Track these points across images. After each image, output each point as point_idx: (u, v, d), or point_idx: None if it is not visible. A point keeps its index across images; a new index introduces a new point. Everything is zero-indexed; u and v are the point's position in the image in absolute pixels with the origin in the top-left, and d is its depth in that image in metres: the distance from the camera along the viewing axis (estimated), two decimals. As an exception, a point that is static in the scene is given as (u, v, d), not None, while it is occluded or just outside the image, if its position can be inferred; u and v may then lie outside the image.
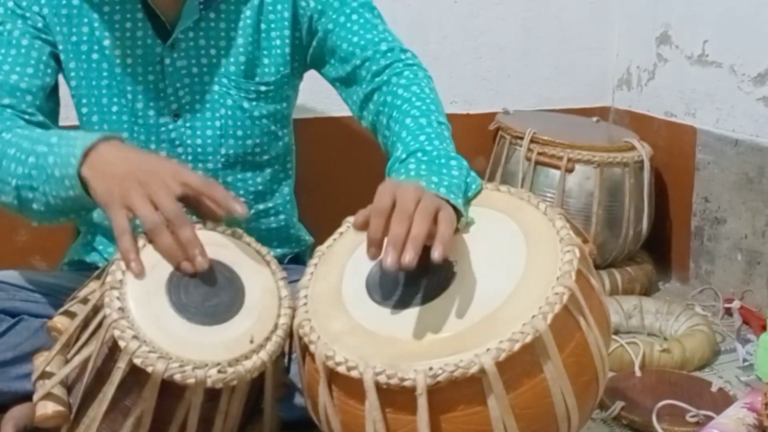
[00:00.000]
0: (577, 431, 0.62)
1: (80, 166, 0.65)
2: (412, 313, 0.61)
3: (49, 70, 0.80)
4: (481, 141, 1.33)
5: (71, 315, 0.64)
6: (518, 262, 0.62)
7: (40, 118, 0.79)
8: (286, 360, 0.69)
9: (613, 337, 0.99)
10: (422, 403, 0.56)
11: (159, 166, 0.65)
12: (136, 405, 0.59)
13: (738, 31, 1.20)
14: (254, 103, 0.84)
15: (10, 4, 0.79)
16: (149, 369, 0.57)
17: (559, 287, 0.59)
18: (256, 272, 0.66)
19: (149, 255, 0.62)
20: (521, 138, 1.23)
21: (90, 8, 0.79)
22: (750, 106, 1.19)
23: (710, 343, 1.04)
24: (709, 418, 0.82)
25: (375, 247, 0.60)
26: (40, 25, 0.79)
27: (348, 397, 0.59)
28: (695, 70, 1.28)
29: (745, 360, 1.03)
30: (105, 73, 0.81)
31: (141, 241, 0.63)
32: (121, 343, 0.58)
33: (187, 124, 0.83)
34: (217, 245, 0.66)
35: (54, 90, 0.82)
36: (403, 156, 0.71)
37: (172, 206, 0.62)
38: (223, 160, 0.84)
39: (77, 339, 0.63)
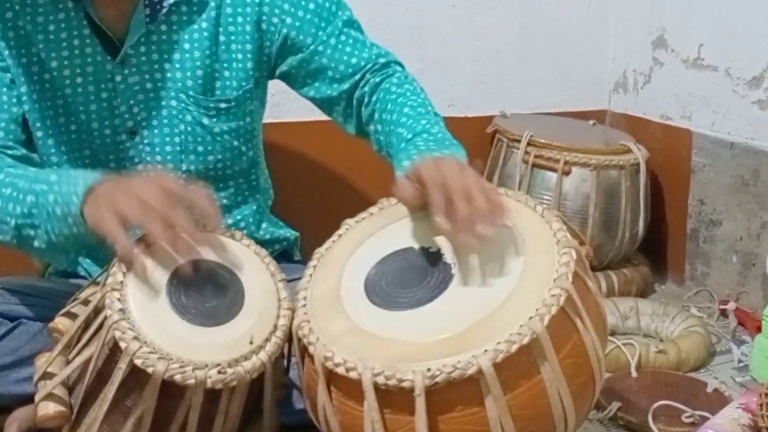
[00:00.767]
0: None
1: (82, 205, 0.64)
2: (410, 314, 0.62)
3: (14, 99, 0.78)
4: (479, 144, 1.34)
5: (72, 316, 0.65)
6: (515, 264, 0.62)
7: (23, 151, 0.78)
8: (285, 361, 0.69)
9: (610, 338, 0.99)
10: (420, 403, 0.56)
11: (141, 178, 0.64)
12: (137, 405, 0.60)
13: (733, 35, 1.21)
14: (215, 120, 0.82)
15: None
16: (150, 370, 0.57)
17: (556, 289, 0.59)
18: (255, 274, 0.67)
19: (148, 258, 0.63)
20: (518, 141, 1.24)
21: (34, 29, 0.76)
22: (745, 110, 1.20)
23: (706, 344, 1.05)
24: (705, 419, 0.83)
25: (443, 219, 0.61)
26: None
27: (347, 397, 0.60)
28: (691, 73, 1.29)
29: (740, 361, 1.04)
30: (58, 93, 0.78)
31: (139, 247, 0.63)
32: (122, 344, 0.58)
33: (145, 141, 0.80)
34: (216, 247, 0.66)
35: (25, 120, 0.79)
36: (410, 136, 0.72)
37: (156, 195, 0.61)
38: (184, 176, 0.81)
39: (78, 340, 0.64)
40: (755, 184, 1.18)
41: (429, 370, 0.56)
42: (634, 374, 0.97)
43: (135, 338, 0.58)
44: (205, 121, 0.81)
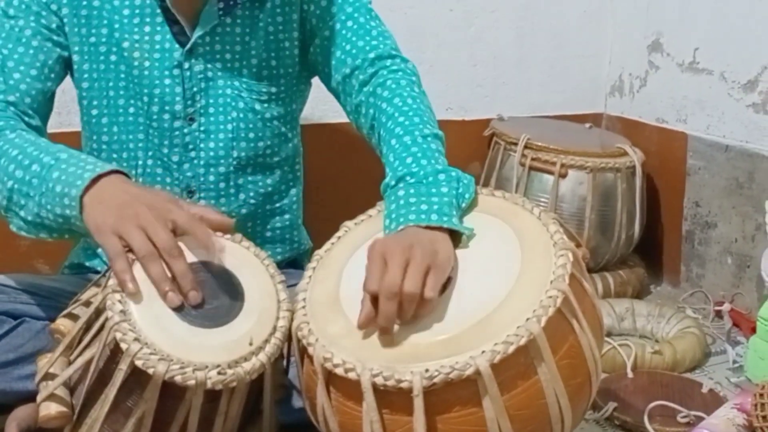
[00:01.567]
0: (571, 432, 0.63)
1: (84, 192, 0.65)
2: (408, 315, 0.62)
3: (52, 75, 0.80)
4: (476, 147, 1.34)
5: (74, 317, 0.65)
6: (513, 266, 0.63)
7: (38, 122, 0.79)
8: (284, 362, 0.70)
9: (606, 339, 0.99)
10: (418, 404, 0.56)
11: (155, 199, 0.65)
12: (138, 406, 0.60)
13: (728, 39, 1.21)
14: (266, 105, 0.84)
15: None
16: (150, 370, 0.58)
17: (553, 291, 0.60)
18: (255, 276, 0.67)
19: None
20: (515, 144, 1.25)
21: (110, 11, 0.79)
22: (740, 113, 1.20)
23: (701, 345, 1.06)
24: (700, 419, 0.83)
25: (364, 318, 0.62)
26: (54, 25, 0.79)
27: (346, 398, 0.60)
28: (686, 77, 1.30)
29: (735, 362, 1.04)
30: (122, 75, 0.80)
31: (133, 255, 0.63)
32: (123, 345, 0.58)
33: (201, 128, 0.82)
34: (217, 250, 0.66)
35: (52, 96, 0.82)
36: (392, 182, 0.71)
37: (165, 237, 0.62)
38: (234, 162, 0.84)
39: (80, 341, 0.64)
40: (750, 187, 1.18)
41: (427, 370, 0.57)
42: (630, 375, 0.97)
43: (136, 339, 0.58)
44: (257, 106, 0.84)
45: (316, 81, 0.91)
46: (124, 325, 0.59)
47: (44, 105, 0.80)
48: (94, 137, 0.84)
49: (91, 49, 0.80)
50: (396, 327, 0.61)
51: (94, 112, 0.83)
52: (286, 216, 0.91)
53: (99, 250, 0.87)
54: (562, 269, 0.61)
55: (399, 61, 0.83)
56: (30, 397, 0.65)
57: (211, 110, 0.82)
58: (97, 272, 0.69)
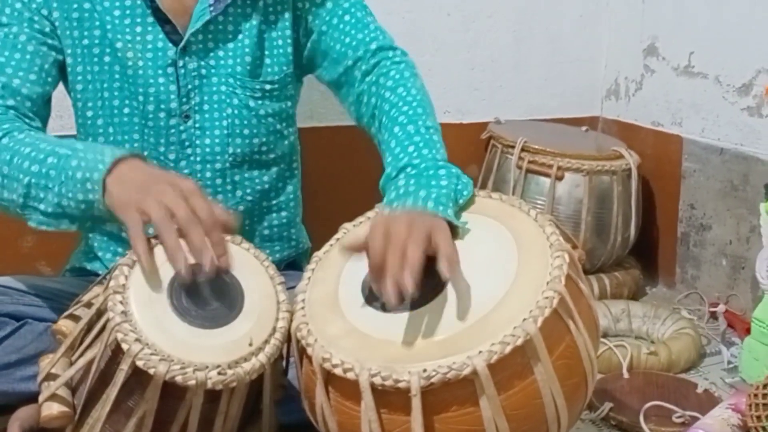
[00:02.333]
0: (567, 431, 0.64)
1: (107, 174, 0.66)
2: (406, 316, 0.62)
3: (49, 79, 0.80)
4: (474, 150, 1.35)
5: (76, 318, 0.66)
6: (510, 267, 0.63)
7: (39, 124, 0.80)
8: (284, 362, 0.70)
9: (602, 340, 1.00)
10: (416, 403, 0.57)
11: (178, 181, 0.65)
12: (139, 406, 0.60)
13: (723, 43, 1.22)
14: (260, 102, 0.85)
15: (18, 5, 0.79)
16: (151, 371, 0.58)
17: (550, 292, 0.60)
18: (254, 277, 0.68)
19: (156, 256, 0.63)
20: (513, 147, 1.25)
21: (101, 12, 0.80)
22: (735, 116, 1.21)
23: (696, 345, 1.06)
24: (695, 419, 0.84)
25: (378, 280, 0.60)
26: (47, 29, 0.80)
27: (344, 398, 0.61)
28: (681, 80, 1.31)
29: (729, 362, 1.05)
30: (116, 76, 0.81)
31: (152, 241, 0.64)
32: (124, 346, 0.59)
33: (197, 125, 0.83)
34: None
35: (50, 99, 0.82)
36: (393, 173, 0.72)
37: (185, 212, 0.62)
38: (230, 159, 0.85)
39: (81, 342, 0.64)
40: (744, 189, 1.19)
41: (425, 370, 0.57)
42: (626, 375, 0.98)
43: (137, 340, 0.59)
44: (251, 103, 0.84)
45: (311, 82, 0.92)
46: (126, 325, 0.60)
47: (43, 108, 0.81)
48: (89, 139, 0.84)
49: (84, 51, 0.81)
50: (396, 328, 0.62)
51: (89, 113, 0.83)
52: (284, 213, 0.92)
53: (100, 254, 0.88)
54: (559, 270, 0.62)
55: (400, 53, 0.85)
56: (32, 397, 0.66)
57: (206, 107, 0.83)
58: (98, 275, 0.70)
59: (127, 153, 0.68)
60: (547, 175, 1.23)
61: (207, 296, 0.64)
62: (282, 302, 0.67)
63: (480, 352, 0.57)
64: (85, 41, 0.81)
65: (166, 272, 0.64)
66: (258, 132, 0.86)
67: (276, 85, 0.86)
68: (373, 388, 0.58)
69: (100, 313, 0.64)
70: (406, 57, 0.85)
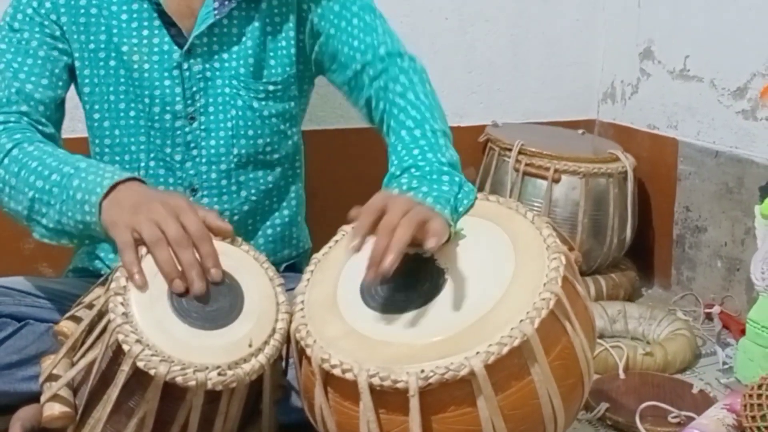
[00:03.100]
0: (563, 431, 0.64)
1: (103, 198, 0.67)
2: (404, 317, 0.63)
3: (60, 83, 0.82)
4: (472, 152, 1.35)
5: (77, 320, 0.66)
6: (507, 268, 0.64)
7: (52, 129, 0.81)
8: (283, 363, 0.71)
9: (598, 340, 1.00)
10: (414, 404, 0.57)
11: (170, 199, 0.66)
12: (140, 406, 0.61)
13: (718, 47, 1.23)
14: (263, 103, 0.85)
15: (29, 11, 0.80)
16: (152, 372, 0.58)
17: (546, 293, 0.61)
18: (254, 279, 0.68)
19: (151, 263, 0.64)
20: (510, 149, 1.26)
21: (108, 16, 0.81)
22: (730, 119, 1.22)
23: (691, 346, 1.07)
24: (691, 419, 0.84)
25: (358, 241, 0.62)
26: (57, 33, 0.81)
27: (343, 398, 0.61)
28: (677, 84, 1.32)
29: (724, 363, 1.05)
30: (122, 79, 0.82)
31: (143, 250, 0.64)
32: (125, 347, 0.59)
33: (202, 127, 0.84)
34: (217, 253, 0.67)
35: (63, 102, 0.83)
36: (397, 172, 0.73)
37: (175, 231, 0.63)
38: (235, 160, 0.85)
39: (83, 343, 0.65)
40: (739, 192, 1.20)
41: (423, 371, 0.57)
42: (622, 376, 0.98)
43: (137, 341, 0.59)
44: (255, 104, 0.85)
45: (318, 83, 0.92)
46: (126, 327, 0.60)
47: (56, 112, 0.82)
48: (97, 141, 0.85)
49: (90, 55, 0.82)
50: (394, 329, 0.62)
51: (96, 116, 0.84)
52: (286, 212, 0.92)
53: (102, 254, 0.88)
54: (555, 272, 0.62)
55: (408, 58, 0.85)
56: (34, 398, 0.66)
57: (211, 109, 0.84)
58: (100, 276, 0.70)
59: (126, 176, 0.69)
60: (544, 178, 1.24)
61: (207, 298, 0.64)
62: (281, 303, 0.68)
63: (477, 352, 0.58)
64: (92, 45, 0.82)
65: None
66: (262, 133, 0.86)
67: (279, 86, 0.86)
68: (372, 388, 0.59)
69: (101, 315, 0.64)
70: (415, 62, 0.85)
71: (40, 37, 0.80)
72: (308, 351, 0.63)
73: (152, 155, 0.84)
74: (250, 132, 0.86)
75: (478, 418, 0.58)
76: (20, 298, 0.79)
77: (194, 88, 0.83)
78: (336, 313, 0.65)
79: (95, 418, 0.62)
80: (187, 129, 0.84)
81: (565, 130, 1.44)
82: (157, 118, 0.83)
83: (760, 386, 0.77)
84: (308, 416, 0.67)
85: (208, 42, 0.82)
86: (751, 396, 0.77)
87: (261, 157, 0.87)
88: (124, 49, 0.81)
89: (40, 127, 0.79)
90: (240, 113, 0.85)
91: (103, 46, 0.81)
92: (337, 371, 0.60)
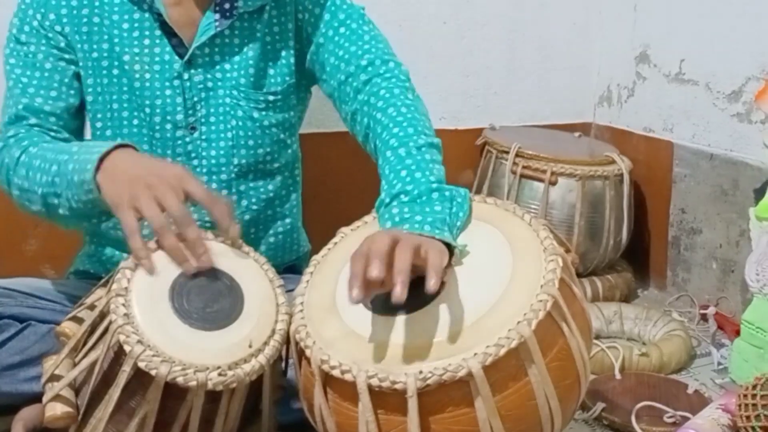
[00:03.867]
0: None
1: (95, 172, 0.67)
2: (403, 319, 0.63)
3: (72, 91, 0.82)
4: (469, 155, 1.36)
5: (79, 321, 0.66)
6: (504, 270, 0.64)
7: (66, 135, 0.82)
8: (283, 364, 0.71)
9: (594, 341, 1.00)
10: (413, 404, 0.58)
11: (166, 170, 0.67)
12: (141, 406, 0.61)
13: (713, 51, 1.24)
14: (263, 113, 0.86)
15: (35, 23, 0.81)
16: (153, 372, 0.59)
17: (543, 295, 0.61)
18: (254, 280, 0.69)
19: (155, 258, 0.65)
20: (507, 152, 1.27)
21: (110, 25, 0.81)
22: (725, 122, 1.23)
23: (687, 347, 1.07)
24: (686, 419, 0.85)
25: (357, 292, 0.58)
26: (62, 44, 0.82)
27: (342, 399, 0.62)
28: (672, 87, 1.32)
29: (719, 363, 1.06)
30: (125, 88, 0.83)
31: (151, 244, 0.65)
32: (127, 348, 0.60)
33: (203, 137, 0.85)
34: (218, 254, 0.68)
35: (80, 108, 0.84)
36: (387, 200, 0.72)
37: (177, 207, 0.64)
38: (236, 170, 0.86)
39: (84, 343, 0.65)
40: (734, 194, 1.20)
41: (421, 372, 0.58)
42: (618, 376, 0.99)
43: (139, 342, 0.60)
44: (255, 114, 0.85)
45: (314, 90, 0.93)
46: (128, 327, 0.60)
47: (71, 120, 0.83)
48: None
49: (93, 64, 0.82)
50: (393, 330, 0.63)
51: (99, 124, 0.84)
52: (287, 220, 0.93)
53: (104, 257, 0.89)
54: (552, 274, 0.63)
55: (392, 66, 0.83)
56: (36, 398, 0.67)
57: (212, 119, 0.84)
58: (102, 278, 0.71)
59: (113, 145, 0.69)
60: (540, 180, 1.24)
61: (208, 299, 0.65)
62: (281, 305, 0.68)
63: (475, 354, 0.58)
64: (95, 54, 0.82)
65: (168, 275, 0.65)
66: (262, 142, 0.87)
67: (279, 96, 0.87)
68: (371, 389, 0.59)
69: (102, 316, 0.64)
70: (397, 69, 0.83)
71: (46, 50, 0.81)
72: (308, 352, 0.63)
73: None
74: (251, 142, 0.86)
75: (476, 418, 0.59)
76: (22, 299, 0.79)
77: (195, 98, 0.83)
78: (335, 315, 0.66)
79: (97, 418, 0.63)
80: (187, 139, 0.84)
81: (561, 133, 1.44)
82: (158, 127, 0.83)
83: (754, 386, 0.78)
84: (308, 416, 0.67)
85: (209, 52, 0.83)
86: (745, 396, 0.78)
87: (261, 166, 0.88)
88: (126, 58, 0.82)
89: (52, 134, 0.80)
90: (240, 123, 0.85)
91: (105, 55, 0.82)
92: (336, 372, 0.61)
